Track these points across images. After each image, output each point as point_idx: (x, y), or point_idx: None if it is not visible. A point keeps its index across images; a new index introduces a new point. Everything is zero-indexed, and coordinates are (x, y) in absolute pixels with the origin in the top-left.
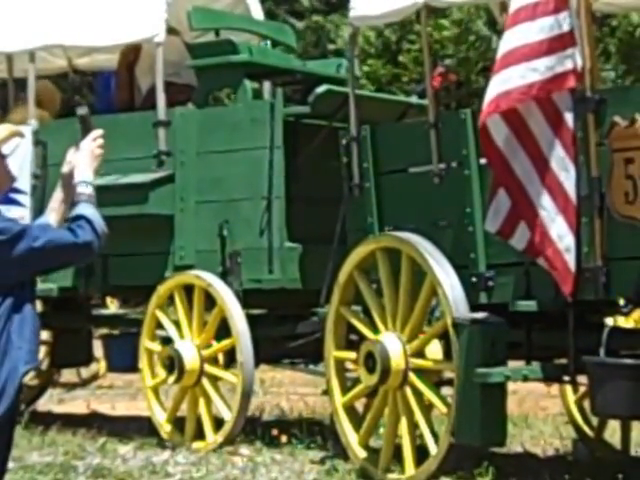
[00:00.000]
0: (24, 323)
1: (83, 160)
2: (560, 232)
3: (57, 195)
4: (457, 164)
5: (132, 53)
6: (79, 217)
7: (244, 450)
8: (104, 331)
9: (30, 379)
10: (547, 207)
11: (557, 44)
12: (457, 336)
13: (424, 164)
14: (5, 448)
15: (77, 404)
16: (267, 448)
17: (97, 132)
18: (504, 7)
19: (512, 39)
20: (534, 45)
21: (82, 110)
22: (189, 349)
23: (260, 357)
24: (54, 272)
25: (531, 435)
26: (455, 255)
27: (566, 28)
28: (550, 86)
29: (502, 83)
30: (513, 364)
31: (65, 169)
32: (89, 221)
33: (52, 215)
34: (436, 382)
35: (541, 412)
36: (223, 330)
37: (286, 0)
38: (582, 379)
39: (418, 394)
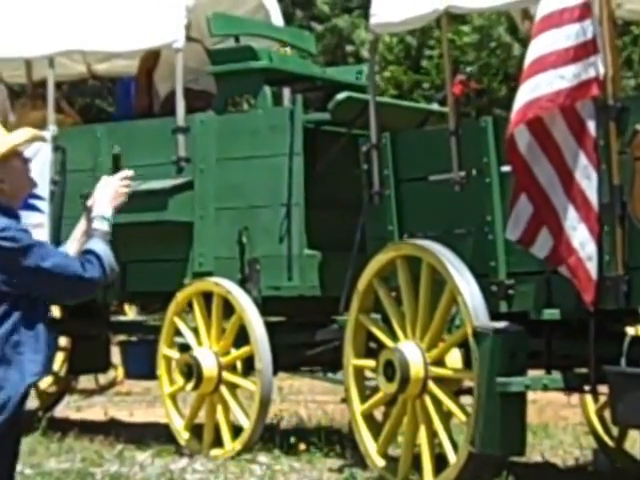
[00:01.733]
0: (37, 337)
1: (105, 196)
2: (582, 240)
3: (80, 226)
4: (477, 172)
5: (151, 59)
6: (89, 251)
7: (262, 458)
8: (122, 338)
9: (48, 386)
10: (569, 215)
11: (582, 51)
12: (477, 345)
13: (444, 172)
14: (11, 455)
15: (95, 411)
16: (285, 456)
17: (126, 172)
18: (526, 14)
19: (539, 47)
20: (561, 52)
21: (116, 149)
22: (207, 356)
23: (279, 365)
24: (48, 299)
25: (551, 445)
26: (475, 263)
27: (590, 36)
28: (576, 94)
29: (530, 91)
30: (533, 373)
31: (90, 201)
32: (98, 257)
33: (73, 245)
34: (456, 391)
35: (561, 422)
36: (242, 337)
37: (304, 5)
38: (603, 389)
39: (437, 403)
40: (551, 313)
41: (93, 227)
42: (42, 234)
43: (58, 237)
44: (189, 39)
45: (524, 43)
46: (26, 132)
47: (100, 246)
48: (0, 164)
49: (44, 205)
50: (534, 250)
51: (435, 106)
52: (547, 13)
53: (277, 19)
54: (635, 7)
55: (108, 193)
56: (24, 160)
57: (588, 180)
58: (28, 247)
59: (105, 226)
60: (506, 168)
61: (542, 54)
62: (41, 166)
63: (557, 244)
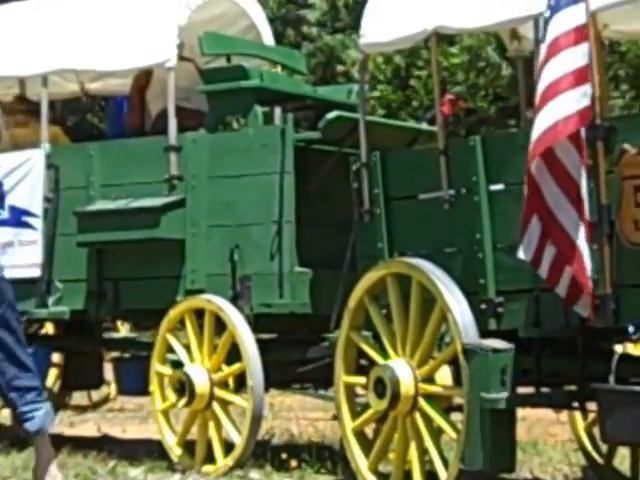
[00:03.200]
0: None
1: None
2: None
3: None
4: (467, 191)
5: (144, 78)
6: None
7: (254, 474)
8: (115, 354)
9: None
10: (580, 235)
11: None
12: (467, 362)
13: (434, 190)
14: None
15: (88, 427)
16: (277, 472)
17: None
18: (514, 34)
19: (559, 67)
20: (582, 69)
21: None
22: (199, 373)
23: (270, 381)
24: None
25: (540, 461)
26: (465, 281)
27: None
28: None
29: (558, 110)
30: (522, 390)
31: None
32: None
33: None
34: (446, 408)
35: (550, 438)
36: (233, 354)
37: (295, 24)
38: (591, 406)
39: (428, 420)
40: (540, 331)
41: None
42: (35, 251)
43: (51, 254)
44: (181, 58)
45: (513, 63)
46: None
47: None
48: None
49: (37, 222)
50: (540, 272)
51: (424, 125)
52: (559, 34)
53: (268, 39)
54: (622, 27)
55: None
56: None
57: None
58: None
59: None
60: (495, 187)
61: (565, 73)
62: (34, 183)
63: (565, 263)
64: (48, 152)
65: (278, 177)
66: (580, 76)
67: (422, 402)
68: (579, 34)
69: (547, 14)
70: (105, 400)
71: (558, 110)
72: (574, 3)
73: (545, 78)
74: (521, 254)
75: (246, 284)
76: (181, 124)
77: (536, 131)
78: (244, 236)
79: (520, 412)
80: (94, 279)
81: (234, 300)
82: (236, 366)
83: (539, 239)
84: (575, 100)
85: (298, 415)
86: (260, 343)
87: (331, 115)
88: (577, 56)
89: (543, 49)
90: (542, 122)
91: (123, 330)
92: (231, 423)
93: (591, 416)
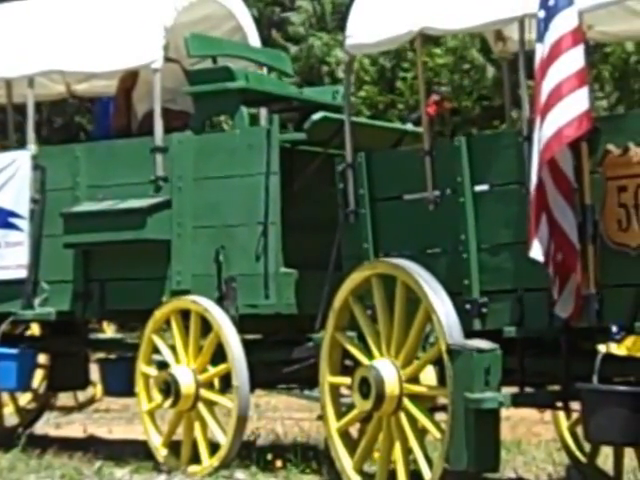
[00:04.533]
0: None
1: None
2: None
3: None
4: (451, 191)
5: (130, 79)
6: None
7: (239, 474)
8: (101, 355)
9: (27, 402)
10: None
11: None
12: (451, 362)
13: (419, 191)
14: None
15: (74, 428)
16: (262, 472)
17: None
18: (499, 35)
19: (561, 69)
20: (582, 71)
21: None
22: (185, 374)
23: (255, 382)
24: None
25: (524, 461)
26: (449, 281)
27: None
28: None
29: (562, 114)
30: (506, 390)
31: None
32: None
33: None
34: (430, 408)
35: (534, 438)
36: (219, 355)
37: (280, 26)
38: (575, 405)
39: (412, 420)
40: (524, 331)
41: None
42: (21, 252)
43: (37, 255)
44: (167, 60)
45: (497, 64)
46: None
47: None
48: None
49: (23, 223)
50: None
51: (409, 126)
52: (559, 36)
53: (254, 40)
54: (606, 28)
55: None
56: None
57: None
58: None
59: None
60: (480, 187)
61: (567, 75)
62: (20, 184)
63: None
64: (34, 153)
65: (264, 178)
66: (580, 78)
67: (407, 402)
68: (577, 36)
69: (542, 14)
70: (91, 401)
71: (563, 115)
72: (569, 5)
73: (549, 80)
74: (533, 254)
75: (232, 285)
76: (167, 125)
77: (545, 135)
78: (230, 237)
79: (504, 412)
80: (80, 280)
81: (220, 301)
82: (221, 367)
83: (548, 239)
84: (577, 104)
85: (283, 415)
86: (245, 344)
87: (317, 116)
88: (577, 58)
89: (541, 48)
90: (549, 127)
91: (109, 331)
92: (216, 423)
93: (575, 415)
